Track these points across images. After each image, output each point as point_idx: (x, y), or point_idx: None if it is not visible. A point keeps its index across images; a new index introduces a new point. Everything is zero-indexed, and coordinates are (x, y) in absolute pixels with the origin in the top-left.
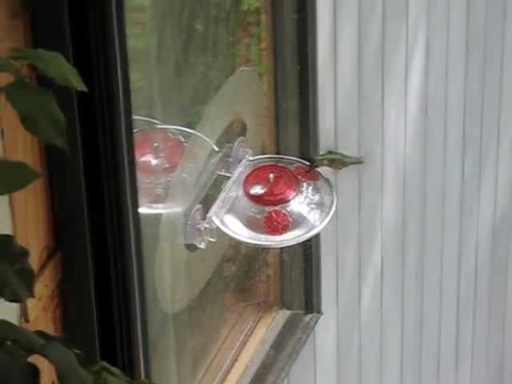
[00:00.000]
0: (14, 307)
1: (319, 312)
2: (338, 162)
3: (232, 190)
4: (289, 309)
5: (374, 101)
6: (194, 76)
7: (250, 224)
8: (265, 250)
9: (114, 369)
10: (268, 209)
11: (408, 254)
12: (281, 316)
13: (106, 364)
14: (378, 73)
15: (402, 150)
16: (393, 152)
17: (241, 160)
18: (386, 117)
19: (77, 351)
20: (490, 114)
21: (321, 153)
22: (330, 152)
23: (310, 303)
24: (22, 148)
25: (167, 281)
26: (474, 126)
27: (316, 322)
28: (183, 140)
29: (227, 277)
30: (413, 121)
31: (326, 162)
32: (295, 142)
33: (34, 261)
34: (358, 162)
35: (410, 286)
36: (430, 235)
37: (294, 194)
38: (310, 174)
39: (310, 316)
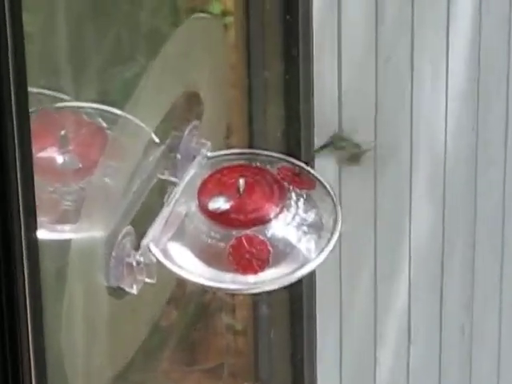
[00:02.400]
0: None
1: None
2: (344, 153)
3: (180, 204)
4: None
5: (399, 62)
6: (121, 25)
7: (209, 256)
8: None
9: None
10: (236, 233)
11: (449, 296)
12: None
13: None
14: (406, 19)
15: (442, 136)
16: (427, 140)
17: (194, 157)
18: (416, 86)
19: None
20: None
21: (317, 144)
22: (332, 140)
23: (300, 379)
24: None
25: (79, 346)
26: None
27: None
28: (105, 125)
29: (168, 331)
30: (458, 91)
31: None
32: (278, 128)
33: None
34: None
35: (452, 349)
36: (482, 266)
37: (277, 210)
38: (302, 179)
39: None
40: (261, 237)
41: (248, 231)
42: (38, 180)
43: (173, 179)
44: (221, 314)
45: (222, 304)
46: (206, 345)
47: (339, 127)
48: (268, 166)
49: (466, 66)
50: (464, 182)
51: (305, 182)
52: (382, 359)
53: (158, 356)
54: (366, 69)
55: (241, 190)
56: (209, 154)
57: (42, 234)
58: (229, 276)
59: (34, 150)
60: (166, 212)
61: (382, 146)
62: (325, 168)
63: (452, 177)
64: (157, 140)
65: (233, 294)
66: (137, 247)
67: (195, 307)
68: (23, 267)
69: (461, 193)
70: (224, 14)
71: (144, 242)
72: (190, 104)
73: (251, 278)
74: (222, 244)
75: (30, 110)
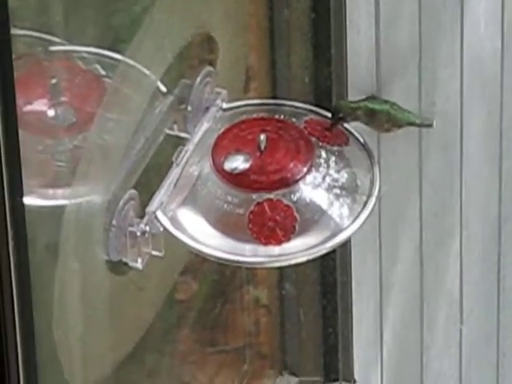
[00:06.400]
0: None
1: (350, 381)
2: (384, 116)
3: (192, 164)
4: (295, 375)
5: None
6: None
7: (226, 225)
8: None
9: None
10: (257, 197)
11: (509, 268)
12: None
13: None
14: None
15: (498, 79)
16: (481, 87)
17: (207, 109)
18: (468, 24)
19: None
20: None
21: (352, 98)
22: (371, 97)
23: (333, 366)
24: None
25: (75, 331)
26: None
27: None
28: (103, 73)
29: (185, 306)
30: None
31: (361, 113)
32: (305, 75)
33: None
34: (424, 124)
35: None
36: None
37: (304, 170)
38: (333, 134)
39: None
40: (285, 201)
41: (271, 195)
42: (24, 137)
43: (183, 135)
44: (243, 290)
45: (247, 277)
46: (228, 323)
47: (378, 82)
48: (293, 119)
49: None
50: None
51: (336, 136)
52: (430, 344)
53: (174, 337)
54: (409, 7)
55: (262, 146)
56: (224, 105)
57: (29, 200)
58: (249, 247)
59: (19, 102)
60: (175, 174)
61: (428, 96)
62: (364, 128)
63: (510, 129)
64: (164, 89)
65: (254, 268)
66: (141, 215)
67: (215, 280)
68: (7, 239)
69: None
70: None
71: (150, 208)
72: (203, 48)
73: (275, 250)
74: (240, 210)
75: (14, 56)
